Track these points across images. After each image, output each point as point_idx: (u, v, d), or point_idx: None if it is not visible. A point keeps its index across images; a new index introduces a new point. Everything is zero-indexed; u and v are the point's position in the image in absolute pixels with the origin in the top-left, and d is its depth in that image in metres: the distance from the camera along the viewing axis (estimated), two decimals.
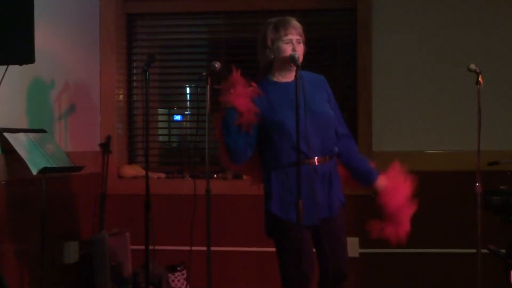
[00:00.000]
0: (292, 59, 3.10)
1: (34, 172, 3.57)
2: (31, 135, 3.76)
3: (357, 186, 3.45)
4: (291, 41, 3.23)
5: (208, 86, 3.39)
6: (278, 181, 3.22)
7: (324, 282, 3.32)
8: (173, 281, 4.67)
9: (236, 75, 3.23)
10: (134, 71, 5.21)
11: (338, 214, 3.28)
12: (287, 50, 3.21)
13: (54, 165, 3.72)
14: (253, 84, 3.24)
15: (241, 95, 3.18)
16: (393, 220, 3.34)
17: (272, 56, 3.25)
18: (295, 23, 3.27)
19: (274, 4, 4.95)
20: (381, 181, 3.35)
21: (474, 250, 3.69)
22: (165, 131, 5.43)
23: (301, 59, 3.20)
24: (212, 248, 3.48)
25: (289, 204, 3.17)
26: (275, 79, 3.31)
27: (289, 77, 3.23)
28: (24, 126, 3.82)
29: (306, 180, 3.13)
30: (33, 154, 3.64)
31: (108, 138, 4.82)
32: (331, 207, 3.25)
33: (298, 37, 3.24)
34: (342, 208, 3.33)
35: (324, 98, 3.32)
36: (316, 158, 3.21)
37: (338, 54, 5.01)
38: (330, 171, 3.26)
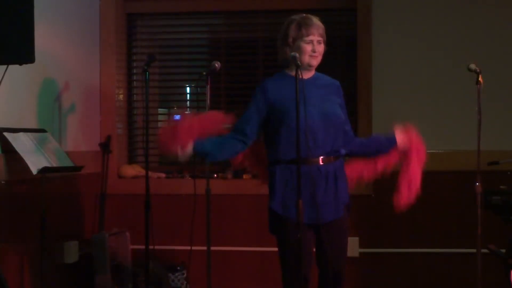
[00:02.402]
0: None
1: (34, 172, 3.56)
2: (31, 135, 3.75)
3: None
4: (311, 42, 3.23)
5: (208, 86, 3.39)
6: (281, 177, 3.23)
7: (323, 284, 3.32)
8: (173, 281, 4.67)
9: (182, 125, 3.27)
10: (134, 71, 5.21)
11: (343, 216, 3.27)
12: (307, 50, 3.23)
13: (54, 165, 3.72)
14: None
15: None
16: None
17: (292, 54, 3.14)
18: (317, 23, 3.27)
19: (274, 4, 4.94)
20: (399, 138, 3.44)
21: (474, 250, 3.68)
22: None
23: (319, 59, 3.27)
24: (212, 248, 3.48)
25: (290, 201, 3.16)
26: (292, 74, 3.21)
27: (305, 75, 3.21)
28: (24, 126, 3.82)
29: (308, 178, 3.14)
30: (33, 154, 3.64)
31: (108, 138, 4.82)
32: (337, 209, 3.24)
33: (319, 38, 3.25)
34: (346, 209, 3.31)
35: (336, 101, 3.35)
36: (321, 157, 3.21)
37: (338, 54, 5.00)
38: (335, 171, 3.25)
